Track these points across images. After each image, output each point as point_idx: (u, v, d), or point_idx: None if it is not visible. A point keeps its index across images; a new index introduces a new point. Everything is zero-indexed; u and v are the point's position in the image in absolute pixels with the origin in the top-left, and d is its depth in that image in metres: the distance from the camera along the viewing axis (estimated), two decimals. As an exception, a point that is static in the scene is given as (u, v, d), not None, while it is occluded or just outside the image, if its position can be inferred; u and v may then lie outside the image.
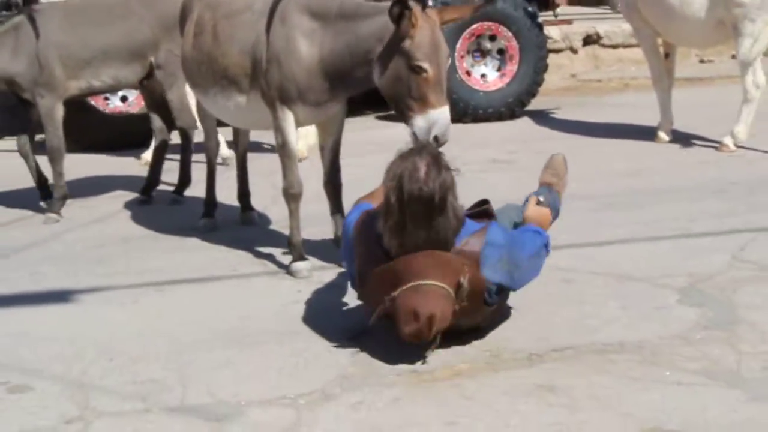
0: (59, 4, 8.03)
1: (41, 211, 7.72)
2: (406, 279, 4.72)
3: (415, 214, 4.69)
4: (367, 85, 5.73)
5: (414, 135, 5.45)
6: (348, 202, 6.04)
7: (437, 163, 4.73)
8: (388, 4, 5.37)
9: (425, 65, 5.41)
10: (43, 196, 7.87)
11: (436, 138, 5.41)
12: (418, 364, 4.72)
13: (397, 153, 4.83)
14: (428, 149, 4.89)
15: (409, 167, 4.70)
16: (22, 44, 7.43)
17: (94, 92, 7.96)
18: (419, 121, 5.45)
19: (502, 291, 5.00)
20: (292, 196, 6.09)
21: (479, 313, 4.93)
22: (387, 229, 4.78)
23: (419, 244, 4.72)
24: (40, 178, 7.91)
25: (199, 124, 7.33)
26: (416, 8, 5.39)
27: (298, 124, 6.02)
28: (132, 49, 7.61)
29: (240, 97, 6.13)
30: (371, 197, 5.25)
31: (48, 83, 7.46)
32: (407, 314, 4.66)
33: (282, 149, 6.02)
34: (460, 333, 4.88)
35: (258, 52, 5.93)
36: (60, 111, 7.55)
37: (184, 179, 7.85)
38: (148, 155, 8.93)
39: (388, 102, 5.63)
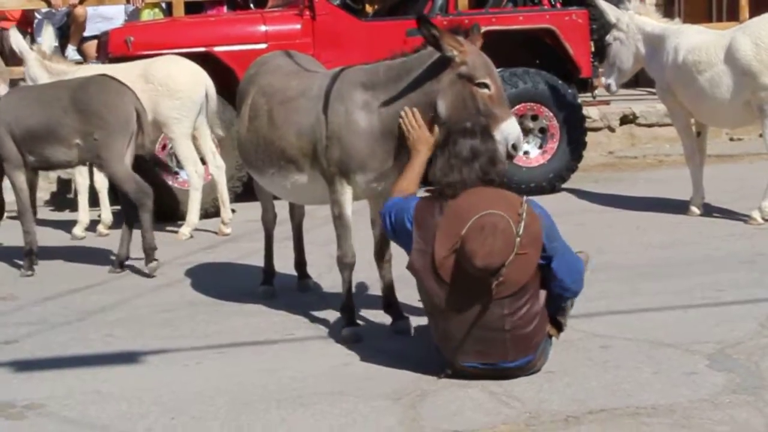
0: (25, 87, 8.83)
1: (117, 277, 7.76)
2: (472, 213, 5.01)
3: (466, 144, 5.21)
4: None
5: None
6: (396, 272, 6.05)
7: None
8: (428, 51, 5.62)
9: (487, 81, 5.53)
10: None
11: (514, 147, 5.53)
12: (461, 424, 4.67)
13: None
14: None
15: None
16: None
17: (41, 167, 8.30)
18: (495, 138, 5.48)
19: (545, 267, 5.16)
20: (346, 265, 6.07)
21: (528, 271, 5.03)
22: (446, 166, 5.21)
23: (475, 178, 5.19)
24: None
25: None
26: (451, 35, 5.55)
27: (356, 197, 6.02)
28: (55, 133, 7.90)
29: (298, 175, 6.14)
30: (399, 192, 5.48)
31: (5, 156, 8.00)
32: (475, 231, 4.92)
33: (338, 220, 6.02)
34: (503, 386, 4.83)
35: (317, 132, 5.95)
36: (20, 178, 8.02)
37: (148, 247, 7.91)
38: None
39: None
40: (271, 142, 6.21)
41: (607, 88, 9.66)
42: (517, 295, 5.06)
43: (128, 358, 5.85)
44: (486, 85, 5.53)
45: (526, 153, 10.61)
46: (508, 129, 5.52)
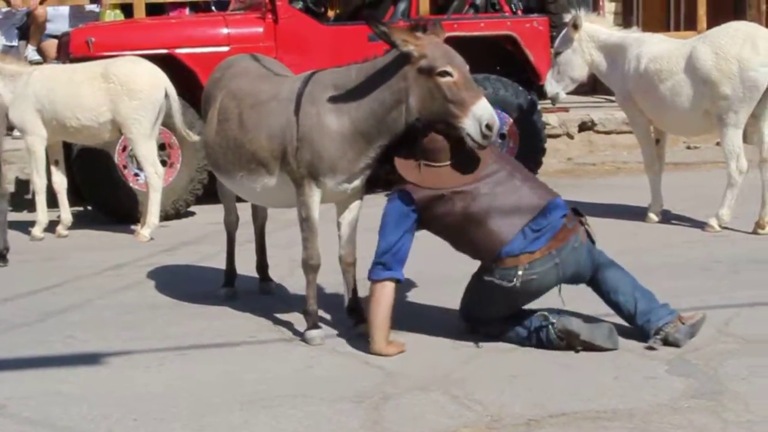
0: None
1: (78, 278, 7.72)
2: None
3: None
4: (396, 130, 5.80)
5: (469, 137, 5.56)
6: (360, 274, 6.07)
7: None
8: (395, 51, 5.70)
9: (448, 69, 5.56)
10: None
11: (488, 127, 5.51)
12: (423, 427, 4.70)
13: None
14: None
15: None
16: None
17: None
18: (467, 122, 5.54)
19: None
20: (311, 267, 6.08)
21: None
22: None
23: None
24: None
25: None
26: (402, 30, 5.69)
27: (323, 200, 6.03)
28: None
29: (268, 178, 6.14)
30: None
31: None
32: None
33: (306, 223, 6.02)
34: (464, 390, 4.86)
35: (288, 134, 5.96)
36: None
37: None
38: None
39: (435, 124, 5.72)
40: (241, 145, 6.21)
41: (554, 98, 9.63)
42: (496, 165, 5.77)
43: (90, 359, 5.83)
44: (448, 73, 5.56)
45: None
46: (479, 110, 5.52)
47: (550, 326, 5.69)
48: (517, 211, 5.69)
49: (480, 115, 5.52)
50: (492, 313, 5.87)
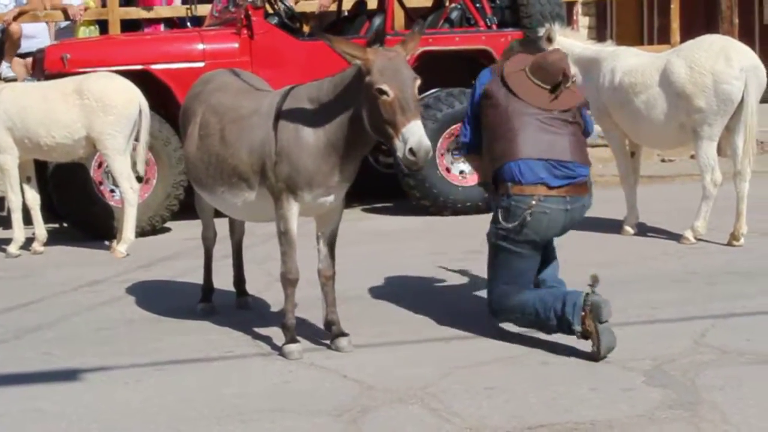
0: None
1: (54, 294, 7.70)
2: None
3: None
4: (367, 142, 5.83)
5: (399, 159, 5.56)
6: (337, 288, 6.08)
7: None
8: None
9: (384, 87, 5.49)
10: None
11: (411, 151, 5.43)
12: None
13: None
14: None
15: None
16: None
17: None
18: (397, 144, 5.50)
19: None
20: (289, 281, 6.09)
21: (575, 99, 6.20)
22: None
23: None
24: None
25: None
26: (348, 44, 5.70)
27: (302, 213, 6.04)
28: None
29: (248, 193, 6.15)
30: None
31: None
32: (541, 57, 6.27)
33: (284, 236, 6.02)
34: (443, 402, 4.86)
35: (267, 148, 5.97)
36: None
37: None
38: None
39: (380, 140, 5.70)
40: (223, 159, 6.22)
41: None
42: (568, 113, 6.08)
43: (67, 375, 5.81)
44: (384, 92, 5.50)
45: (461, 172, 10.69)
46: (408, 133, 5.44)
47: (584, 295, 5.75)
48: (553, 145, 6.02)
49: (407, 138, 5.45)
50: (508, 278, 6.05)
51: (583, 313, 5.70)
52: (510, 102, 6.07)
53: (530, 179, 5.93)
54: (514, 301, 6.00)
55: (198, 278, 7.17)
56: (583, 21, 15.53)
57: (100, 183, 9.93)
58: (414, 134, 5.45)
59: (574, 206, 6.03)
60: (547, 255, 6.27)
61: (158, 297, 7.49)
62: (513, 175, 5.97)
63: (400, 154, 5.49)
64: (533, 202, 5.91)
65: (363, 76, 5.61)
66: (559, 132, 6.05)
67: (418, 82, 5.65)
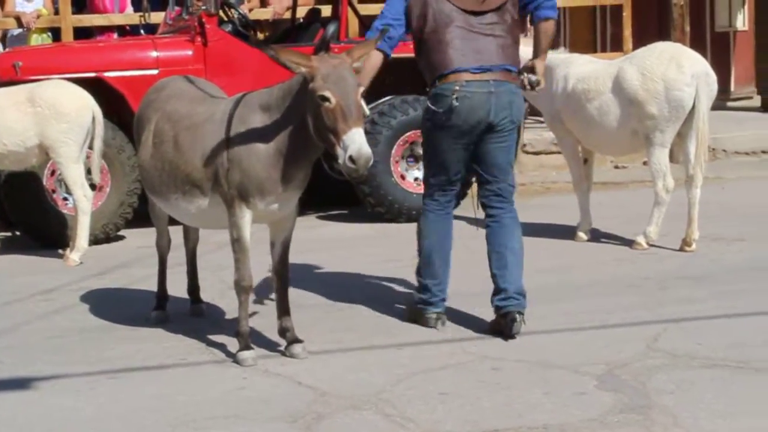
0: None
1: (6, 303, 7.62)
2: None
3: None
4: (315, 148, 5.82)
5: (340, 167, 5.56)
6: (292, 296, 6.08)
7: None
8: None
9: (326, 94, 5.50)
10: None
11: (351, 159, 5.43)
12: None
13: None
14: None
15: None
16: None
17: None
18: (338, 151, 5.50)
19: None
20: (243, 288, 6.08)
21: None
22: None
23: None
24: None
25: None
26: (290, 53, 5.71)
27: (255, 220, 6.03)
28: None
29: (202, 200, 6.14)
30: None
31: None
32: None
33: (237, 244, 6.02)
34: (397, 408, 4.87)
35: (219, 155, 5.96)
36: None
37: None
38: None
39: (325, 146, 5.69)
40: (176, 167, 6.20)
41: None
42: (499, 11, 6.38)
43: (18, 384, 5.77)
44: (326, 98, 5.51)
45: (416, 179, 10.70)
46: (348, 140, 5.46)
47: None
48: (480, 51, 6.35)
49: (348, 145, 5.46)
50: (435, 168, 6.52)
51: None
52: (440, 4, 6.36)
53: (456, 70, 6.31)
54: (424, 231, 6.77)
55: (152, 286, 7.14)
56: (537, 28, 15.58)
57: (53, 191, 9.86)
58: (354, 142, 5.46)
59: (499, 90, 6.33)
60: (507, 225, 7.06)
61: (112, 305, 7.45)
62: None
63: (341, 161, 5.50)
64: (457, 88, 6.24)
65: (308, 83, 5.62)
66: (487, 37, 6.38)
67: (362, 89, 5.68)
